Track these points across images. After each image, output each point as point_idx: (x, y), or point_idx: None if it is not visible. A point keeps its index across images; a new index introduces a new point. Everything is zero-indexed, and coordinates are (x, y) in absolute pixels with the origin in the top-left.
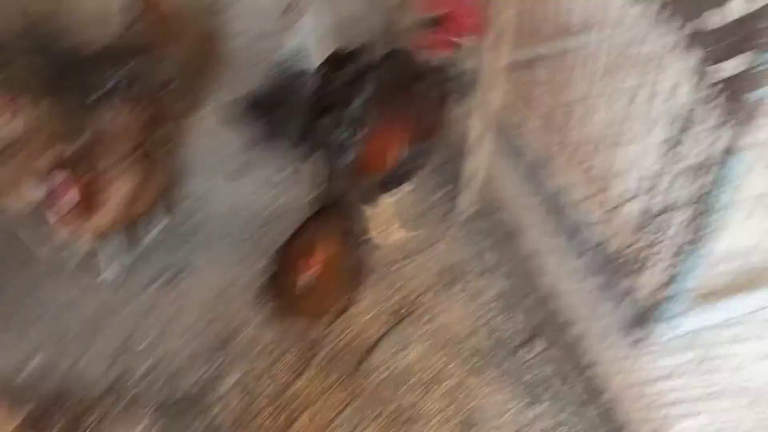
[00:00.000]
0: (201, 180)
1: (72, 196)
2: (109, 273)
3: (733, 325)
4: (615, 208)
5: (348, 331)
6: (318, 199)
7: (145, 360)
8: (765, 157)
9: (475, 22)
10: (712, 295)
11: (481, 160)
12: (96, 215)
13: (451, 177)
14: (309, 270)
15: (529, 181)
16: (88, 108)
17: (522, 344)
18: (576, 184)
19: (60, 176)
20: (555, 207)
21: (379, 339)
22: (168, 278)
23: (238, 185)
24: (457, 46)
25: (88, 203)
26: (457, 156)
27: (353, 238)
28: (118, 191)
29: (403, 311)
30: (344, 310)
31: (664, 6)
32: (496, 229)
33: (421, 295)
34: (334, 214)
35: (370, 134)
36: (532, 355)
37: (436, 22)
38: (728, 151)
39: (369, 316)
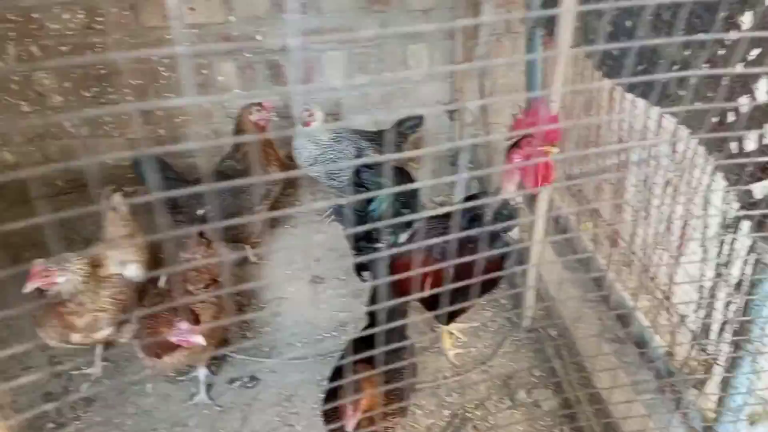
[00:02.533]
0: (287, 283)
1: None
2: (201, 396)
3: None
4: (678, 320)
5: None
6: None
7: None
8: None
9: (556, 132)
10: None
11: (541, 271)
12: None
13: (513, 287)
14: (355, 414)
15: (589, 291)
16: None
17: None
18: (639, 296)
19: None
20: (616, 319)
21: None
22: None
23: (316, 291)
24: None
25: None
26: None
27: (397, 374)
28: (202, 319)
29: (457, 422)
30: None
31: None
32: (555, 342)
33: (477, 407)
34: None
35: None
36: None
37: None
38: (763, 273)
39: (424, 426)
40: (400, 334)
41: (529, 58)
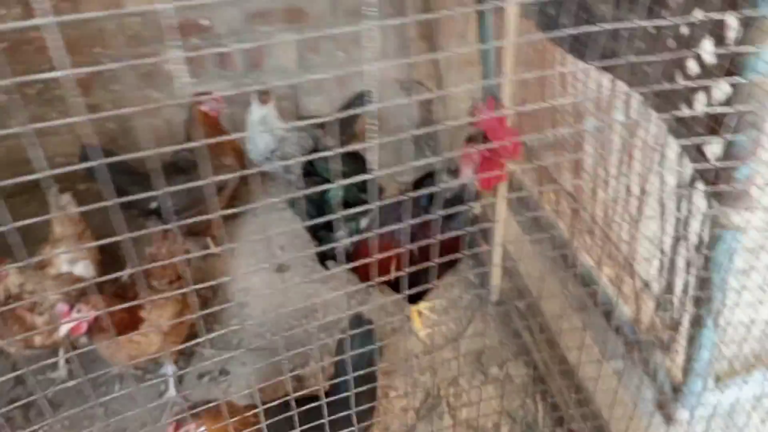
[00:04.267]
0: (249, 274)
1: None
2: (171, 392)
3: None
4: (640, 287)
5: (378, 422)
6: None
7: None
8: None
9: (515, 146)
10: (738, 373)
11: (506, 244)
12: (144, 339)
13: (479, 264)
14: None
15: (556, 262)
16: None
17: (549, 430)
18: (603, 264)
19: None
20: (583, 287)
21: (408, 430)
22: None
23: (282, 279)
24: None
25: (131, 327)
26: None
27: None
28: (161, 316)
29: (431, 400)
30: None
31: (647, 98)
32: (523, 316)
33: (450, 384)
34: None
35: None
36: None
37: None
38: (720, 230)
39: (399, 407)
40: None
41: (482, 33)
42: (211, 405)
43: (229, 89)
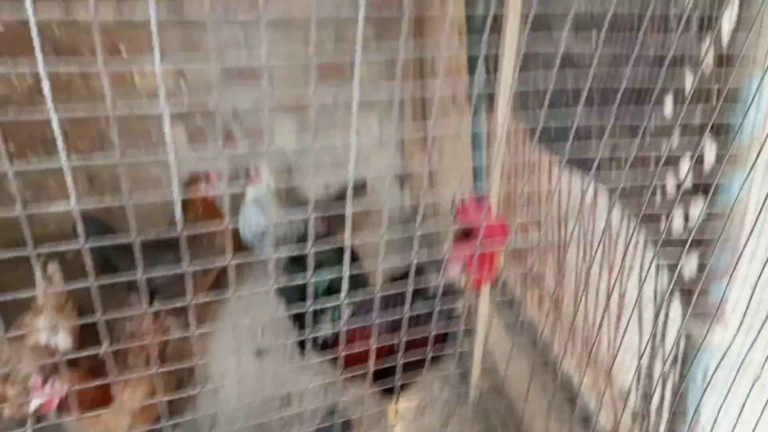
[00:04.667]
0: (230, 356)
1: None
2: None
3: None
4: (621, 395)
5: None
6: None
7: None
8: None
9: (504, 237)
10: None
11: (488, 344)
12: (113, 418)
13: (460, 361)
14: None
15: (537, 364)
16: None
17: None
18: (583, 368)
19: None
20: (564, 391)
21: None
22: None
23: (259, 365)
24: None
25: (101, 404)
26: (465, 341)
27: None
28: (133, 395)
29: None
30: None
31: (629, 208)
32: (504, 413)
33: None
34: None
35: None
36: None
37: (470, 234)
38: (696, 347)
39: None
40: None
41: (475, 131)
42: None
43: (229, 169)
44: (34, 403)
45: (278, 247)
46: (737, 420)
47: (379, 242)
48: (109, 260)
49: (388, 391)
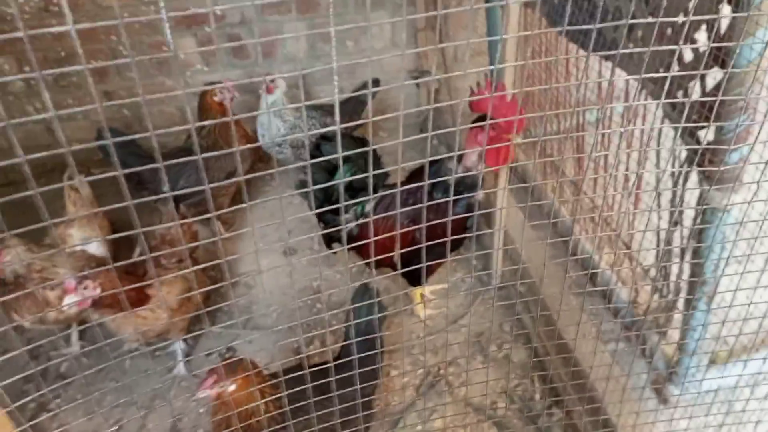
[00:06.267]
0: (260, 256)
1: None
2: (180, 368)
3: (756, 384)
4: (640, 269)
5: (377, 401)
6: None
7: None
8: None
9: (520, 121)
10: (733, 354)
11: (508, 229)
12: (151, 314)
13: (481, 248)
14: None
15: (557, 247)
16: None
17: (543, 411)
18: (603, 247)
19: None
20: (584, 272)
21: (406, 409)
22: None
23: (288, 262)
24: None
25: (138, 303)
26: (485, 228)
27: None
28: (169, 293)
29: (431, 379)
30: None
31: (645, 85)
32: (523, 298)
33: (449, 364)
34: None
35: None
36: (553, 421)
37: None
38: (713, 211)
39: (398, 387)
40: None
41: (490, 22)
42: (237, 360)
43: (242, 77)
44: (67, 303)
45: (298, 150)
46: (754, 290)
47: (397, 139)
48: (134, 171)
49: (413, 279)
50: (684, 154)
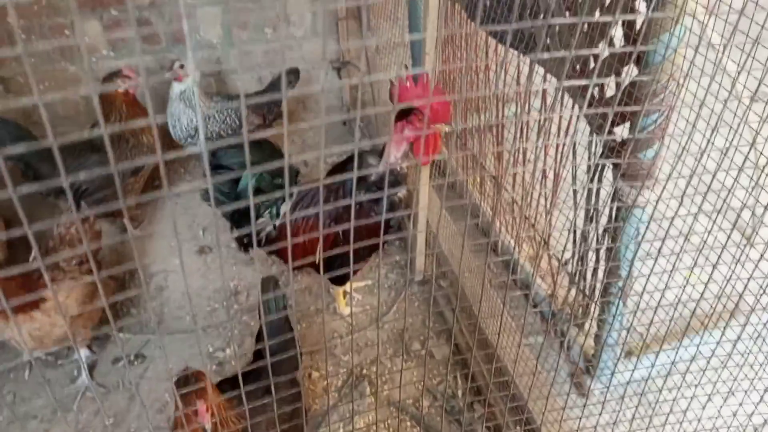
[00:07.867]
0: (172, 255)
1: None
2: (83, 378)
3: (670, 375)
4: (557, 263)
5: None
6: None
7: None
8: None
9: (446, 111)
10: (647, 347)
11: (429, 226)
12: (46, 319)
13: (402, 245)
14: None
15: (479, 243)
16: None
17: (465, 407)
18: (522, 242)
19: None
20: (503, 266)
21: (327, 411)
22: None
23: (203, 261)
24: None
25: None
26: (409, 226)
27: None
28: (68, 298)
29: (353, 380)
30: None
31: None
32: (444, 294)
33: (372, 363)
34: None
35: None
36: (475, 418)
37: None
38: (627, 208)
39: (320, 387)
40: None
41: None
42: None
43: (152, 64)
44: None
45: (212, 143)
46: (669, 276)
47: (318, 132)
48: (30, 165)
49: (335, 278)
50: (600, 151)
